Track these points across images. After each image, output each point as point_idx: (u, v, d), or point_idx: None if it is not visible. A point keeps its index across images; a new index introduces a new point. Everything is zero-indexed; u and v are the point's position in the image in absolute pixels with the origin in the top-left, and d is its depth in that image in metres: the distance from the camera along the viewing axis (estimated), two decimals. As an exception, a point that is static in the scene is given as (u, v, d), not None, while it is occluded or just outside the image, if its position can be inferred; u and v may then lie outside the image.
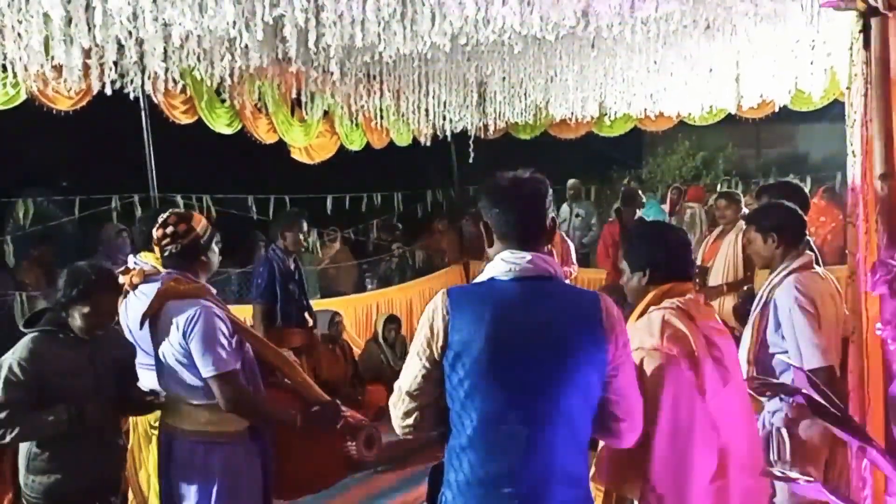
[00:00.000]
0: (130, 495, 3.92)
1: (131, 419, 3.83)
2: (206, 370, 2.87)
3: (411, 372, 2.07)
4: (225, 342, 2.91)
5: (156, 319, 2.97)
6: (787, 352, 3.18)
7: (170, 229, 2.99)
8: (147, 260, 3.59)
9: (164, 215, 3.07)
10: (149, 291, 3.46)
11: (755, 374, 3.24)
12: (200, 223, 3.08)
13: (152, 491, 3.79)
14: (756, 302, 3.39)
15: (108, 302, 3.02)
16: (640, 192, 8.68)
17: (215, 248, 3.14)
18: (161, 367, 3.02)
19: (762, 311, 3.32)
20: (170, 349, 2.93)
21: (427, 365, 2.03)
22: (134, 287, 3.47)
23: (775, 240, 3.38)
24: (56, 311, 3.03)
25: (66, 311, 2.97)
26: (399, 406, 2.10)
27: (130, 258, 3.67)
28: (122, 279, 3.54)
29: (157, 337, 2.98)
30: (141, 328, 2.99)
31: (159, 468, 3.09)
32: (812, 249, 4.01)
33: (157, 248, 3.06)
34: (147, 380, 3.58)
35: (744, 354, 3.29)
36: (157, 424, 3.61)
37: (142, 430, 3.79)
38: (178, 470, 3.00)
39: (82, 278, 2.96)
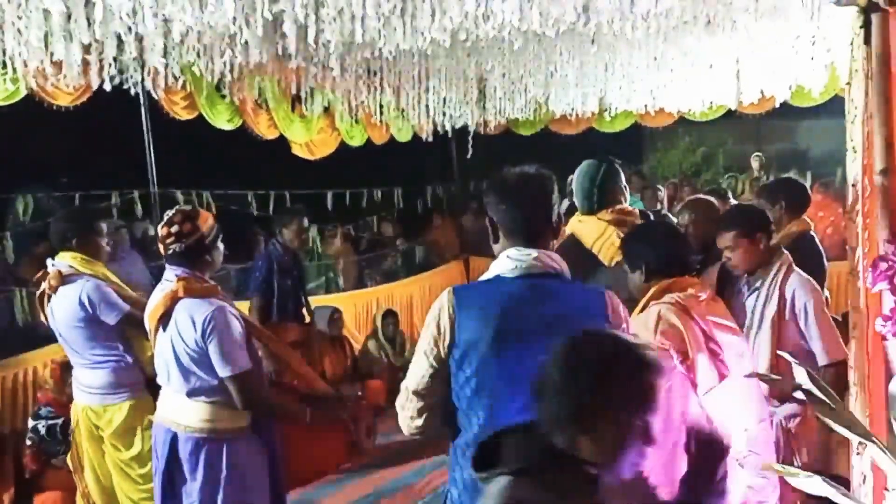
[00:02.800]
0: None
1: (73, 416, 3.81)
2: (225, 370, 2.90)
3: (418, 371, 2.07)
4: (241, 342, 2.96)
5: (165, 318, 2.98)
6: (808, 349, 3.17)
7: (175, 228, 2.99)
8: (64, 260, 3.63)
9: (170, 213, 3.07)
10: (69, 293, 3.54)
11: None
12: (206, 222, 3.08)
13: (96, 489, 3.79)
14: (760, 302, 3.30)
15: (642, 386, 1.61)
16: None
17: (220, 247, 3.16)
18: (165, 364, 3.03)
19: (778, 310, 3.22)
20: (182, 347, 2.93)
21: (434, 364, 2.04)
22: (54, 290, 3.55)
23: (762, 239, 3.31)
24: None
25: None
26: (407, 407, 2.10)
27: (49, 260, 3.68)
28: (43, 284, 3.60)
29: (165, 335, 2.99)
30: (158, 330, 3.00)
31: (161, 466, 3.07)
32: (818, 247, 4.01)
33: (161, 246, 3.06)
34: (86, 378, 3.65)
35: (766, 360, 3.19)
36: (99, 423, 3.67)
37: (84, 429, 3.75)
38: (183, 467, 3.01)
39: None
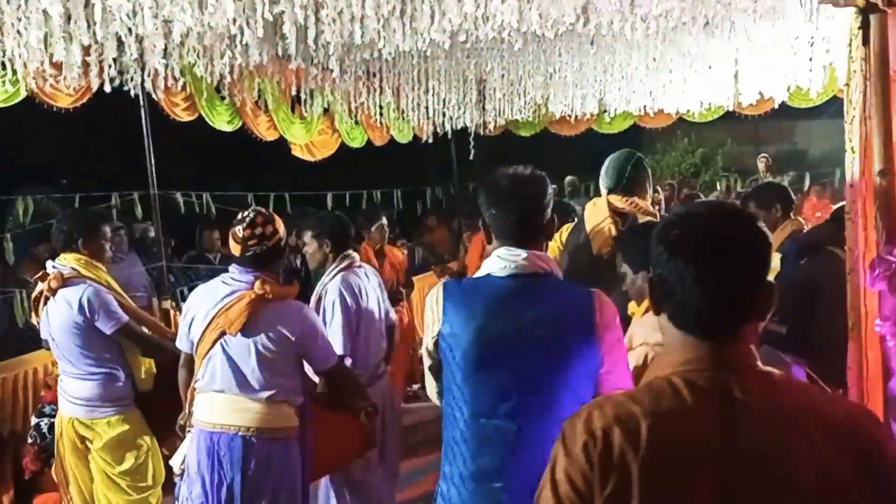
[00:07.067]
0: None
1: (57, 426, 3.69)
2: (338, 351, 3.23)
3: (426, 357, 2.15)
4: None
5: (250, 322, 2.92)
6: None
7: (258, 230, 2.94)
8: (67, 263, 3.51)
9: (250, 214, 2.99)
10: (69, 296, 3.44)
11: None
12: (282, 226, 3.05)
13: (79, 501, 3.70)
14: None
15: None
16: None
17: (287, 251, 3.21)
18: (235, 369, 2.96)
19: None
20: (272, 349, 2.92)
21: (431, 353, 2.11)
22: (53, 292, 3.45)
23: None
24: None
25: None
26: (430, 384, 2.20)
27: (49, 262, 3.57)
28: (40, 286, 3.50)
29: (245, 340, 2.92)
30: (237, 334, 2.92)
31: (238, 477, 2.95)
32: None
33: (238, 247, 2.97)
34: (74, 390, 3.55)
35: None
36: (86, 435, 3.56)
37: (68, 441, 3.63)
38: (258, 470, 2.96)
39: None
